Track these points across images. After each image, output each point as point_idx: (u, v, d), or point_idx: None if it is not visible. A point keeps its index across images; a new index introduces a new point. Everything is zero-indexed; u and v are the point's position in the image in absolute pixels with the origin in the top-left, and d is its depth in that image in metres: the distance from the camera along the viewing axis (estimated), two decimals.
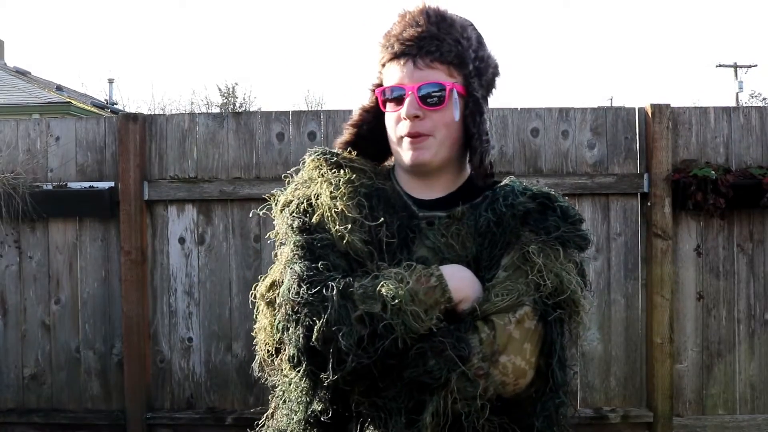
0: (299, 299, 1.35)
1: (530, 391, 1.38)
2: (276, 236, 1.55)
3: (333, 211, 1.46)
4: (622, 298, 4.11)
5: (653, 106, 4.05)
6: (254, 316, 1.55)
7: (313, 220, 1.47)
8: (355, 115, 1.59)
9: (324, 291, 1.34)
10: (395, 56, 1.48)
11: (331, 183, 1.49)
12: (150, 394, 4.16)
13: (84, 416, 4.16)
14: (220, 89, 32.93)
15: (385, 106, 1.51)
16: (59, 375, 4.22)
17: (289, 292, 1.37)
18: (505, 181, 1.55)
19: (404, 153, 1.49)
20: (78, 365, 4.21)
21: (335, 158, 1.54)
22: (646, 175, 4.06)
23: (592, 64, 76.47)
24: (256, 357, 1.53)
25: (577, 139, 4.12)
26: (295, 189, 1.54)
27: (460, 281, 1.38)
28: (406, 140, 1.48)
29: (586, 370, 4.11)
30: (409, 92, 1.45)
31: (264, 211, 1.59)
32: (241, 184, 4.11)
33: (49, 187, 4.17)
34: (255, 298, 1.54)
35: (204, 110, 28.87)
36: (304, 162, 1.57)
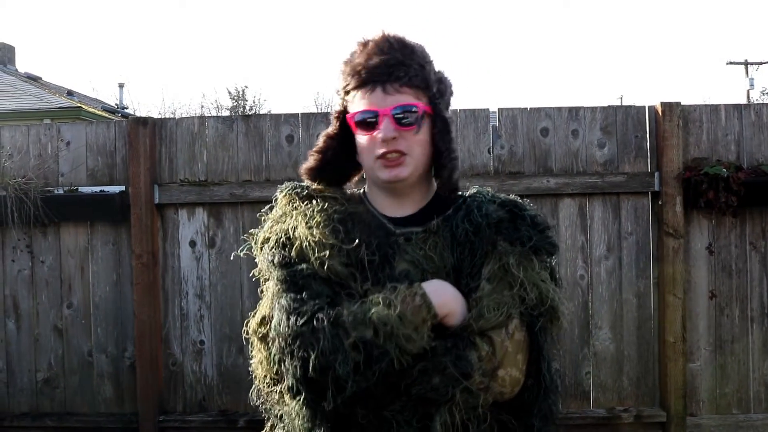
0: (290, 332, 1.42)
1: (522, 394, 1.50)
2: (259, 273, 1.61)
3: (310, 241, 1.51)
4: (634, 298, 4.10)
5: (663, 104, 4.03)
6: (249, 352, 1.62)
7: (293, 253, 1.52)
8: (320, 142, 1.66)
9: (314, 322, 1.40)
10: (363, 83, 1.54)
11: (305, 214, 1.55)
12: (162, 397, 4.18)
13: (97, 420, 4.18)
14: (230, 92, 33.07)
15: (357, 131, 1.56)
16: (72, 379, 4.24)
17: (280, 326, 1.44)
18: (472, 190, 1.66)
19: (381, 172, 1.55)
20: (91, 369, 4.23)
21: (306, 191, 1.62)
22: (657, 174, 4.05)
23: (602, 63, 76.22)
24: (253, 387, 1.61)
25: (587, 138, 4.11)
26: (272, 225, 1.60)
27: (443, 296, 1.45)
28: (381, 161, 1.54)
29: (598, 369, 4.10)
30: (384, 116, 1.51)
31: (244, 251, 1.67)
32: (251, 186, 4.11)
33: (60, 191, 4.19)
34: (247, 334, 1.59)
35: (214, 113, 28.96)
36: (277, 199, 1.64)
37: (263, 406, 1.61)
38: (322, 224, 1.53)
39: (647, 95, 69.27)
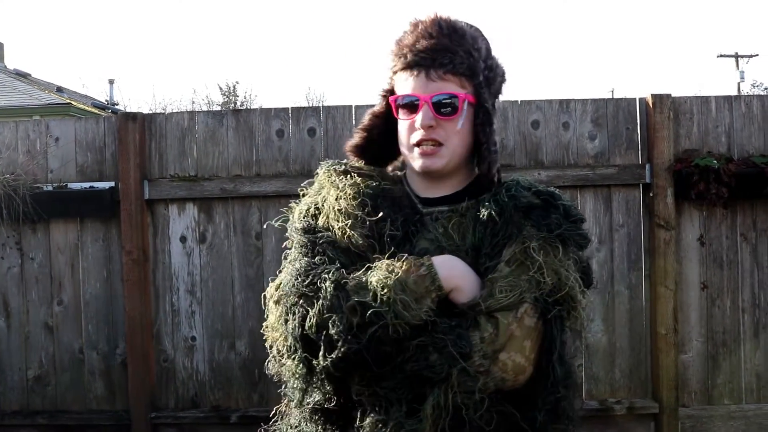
0: (295, 291, 1.43)
1: (530, 385, 1.42)
2: (290, 243, 1.60)
3: (335, 210, 1.52)
4: (625, 290, 4.10)
5: (654, 96, 4.03)
6: (264, 315, 1.57)
7: (319, 221, 1.54)
8: (365, 120, 1.65)
9: (318, 282, 1.41)
10: (408, 66, 1.52)
11: (337, 187, 1.56)
12: (154, 394, 4.16)
13: (89, 417, 4.16)
14: (221, 88, 32.97)
15: (398, 114, 1.55)
16: (63, 376, 4.22)
17: (287, 286, 1.45)
18: (513, 177, 1.61)
19: (416, 160, 1.54)
20: (82, 366, 4.21)
21: (343, 167, 1.61)
22: (648, 166, 4.05)
23: (593, 56, 76.32)
24: (270, 356, 1.55)
25: (578, 130, 4.10)
26: (307, 198, 1.62)
27: (451, 270, 1.43)
28: (418, 148, 1.53)
29: (590, 362, 4.10)
30: (424, 102, 1.50)
31: (279, 222, 1.67)
32: (241, 181, 4.09)
33: (50, 188, 4.17)
34: (265, 299, 1.56)
35: (205, 109, 28.88)
36: (317, 174, 1.64)
37: (278, 376, 1.56)
38: (351, 196, 1.53)
39: (638, 88, 69.39)
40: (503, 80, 1.62)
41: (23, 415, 4.19)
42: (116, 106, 25.81)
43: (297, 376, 1.46)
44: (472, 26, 1.58)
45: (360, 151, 1.65)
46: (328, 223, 1.53)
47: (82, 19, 71.48)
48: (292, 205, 1.64)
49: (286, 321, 1.44)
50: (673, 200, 4.01)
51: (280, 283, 1.52)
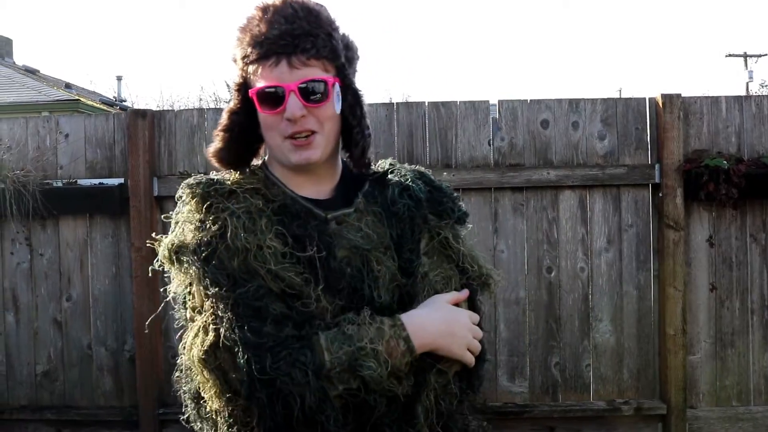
0: (265, 376, 1.28)
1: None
2: (185, 289, 1.44)
3: (259, 250, 1.36)
4: (634, 290, 4.09)
5: (664, 96, 4.02)
6: (190, 377, 1.48)
7: (234, 265, 1.35)
8: (224, 120, 1.52)
9: (294, 369, 1.28)
10: (265, 56, 1.41)
11: (239, 217, 1.38)
12: (162, 390, 4.16)
13: (96, 413, 4.17)
14: (228, 85, 32.93)
15: (261, 107, 1.44)
16: (71, 372, 4.23)
17: (249, 365, 1.29)
18: (386, 163, 1.62)
19: (291, 154, 1.44)
20: (90, 362, 4.22)
21: (224, 186, 1.44)
22: (657, 166, 4.04)
23: (601, 56, 76.13)
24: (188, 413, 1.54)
25: (588, 130, 4.09)
26: (186, 229, 1.42)
27: (427, 337, 1.40)
28: (290, 141, 1.43)
29: (598, 362, 4.10)
30: (290, 91, 1.40)
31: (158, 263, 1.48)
32: None
33: (59, 184, 4.18)
34: (190, 361, 1.41)
35: (212, 106, 28.89)
36: (182, 198, 1.46)
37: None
38: (265, 229, 1.38)
39: (646, 88, 69.21)
40: (358, 58, 1.53)
41: (31, 410, 4.21)
42: (124, 103, 25.85)
43: None
44: (320, 5, 1.47)
45: (224, 155, 1.51)
46: (247, 266, 1.34)
47: (90, 15, 71.67)
48: (158, 238, 1.48)
49: (257, 404, 1.30)
50: (682, 201, 3.99)
51: (215, 345, 1.33)
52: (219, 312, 1.33)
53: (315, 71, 1.41)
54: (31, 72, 23.53)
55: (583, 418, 4.06)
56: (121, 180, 4.16)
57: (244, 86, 1.48)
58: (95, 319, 4.22)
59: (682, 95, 4.04)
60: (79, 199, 4.15)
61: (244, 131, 1.51)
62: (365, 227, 1.47)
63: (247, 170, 1.52)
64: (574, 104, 4.10)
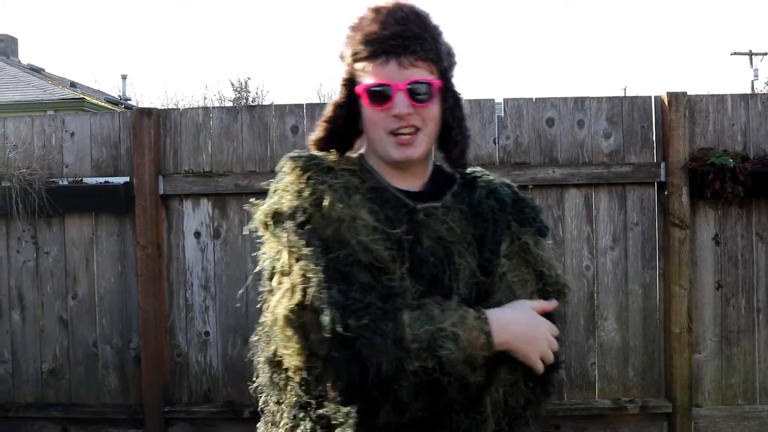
0: (348, 335, 1.32)
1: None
2: (274, 252, 1.46)
3: (350, 221, 1.43)
4: (639, 288, 4.09)
5: (670, 94, 4.01)
6: (269, 340, 1.51)
7: (329, 232, 1.41)
8: (328, 111, 1.59)
9: (376, 333, 1.32)
10: (376, 54, 1.48)
11: (336, 190, 1.46)
12: (167, 388, 4.17)
13: (102, 410, 4.18)
14: (232, 84, 32.91)
15: (369, 103, 1.50)
16: (77, 370, 4.24)
17: (333, 323, 1.33)
18: (475, 169, 1.67)
19: (393, 149, 1.51)
20: (96, 360, 4.23)
21: (324, 163, 1.52)
22: (663, 164, 4.03)
23: (605, 54, 76.02)
24: (260, 378, 1.60)
25: (593, 128, 4.09)
26: (284, 197, 1.47)
27: (507, 335, 1.43)
28: (394, 138, 1.51)
29: (603, 360, 4.09)
30: (398, 90, 1.47)
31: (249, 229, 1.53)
32: (256, 177, 4.09)
33: (65, 182, 4.19)
34: (273, 321, 1.44)
35: (217, 105, 28.92)
36: (284, 169, 1.52)
37: (282, 400, 1.52)
38: (359, 203, 1.46)
39: (650, 86, 69.13)
40: (456, 63, 1.60)
41: (37, 408, 4.22)
42: (129, 101, 25.89)
43: (349, 424, 1.37)
44: (426, 11, 1.55)
45: (325, 144, 1.59)
46: (340, 235, 1.41)
47: (94, 14, 71.75)
48: (257, 203, 1.52)
49: (333, 362, 1.33)
50: (688, 199, 3.99)
51: (300, 304, 1.37)
52: (309, 273, 1.38)
53: (422, 72, 1.49)
54: (36, 71, 23.57)
55: (588, 416, 4.06)
56: (127, 178, 4.17)
57: (350, 82, 1.54)
58: (101, 317, 4.23)
59: (688, 93, 4.04)
60: (85, 198, 4.16)
61: (345, 124, 1.57)
62: (451, 222, 1.52)
63: (345, 156, 1.59)
64: (580, 102, 4.10)
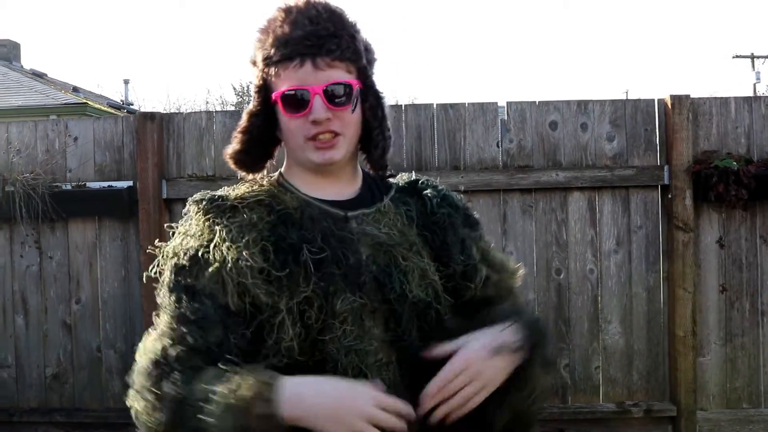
0: (144, 382, 1.32)
1: None
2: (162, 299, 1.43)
3: (236, 263, 1.33)
4: (643, 292, 4.08)
5: (673, 97, 4.01)
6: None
7: (205, 277, 1.35)
8: (243, 122, 1.50)
9: (166, 384, 1.28)
10: (289, 57, 1.39)
11: (230, 230, 1.37)
12: None
13: (106, 415, 4.17)
14: (234, 88, 32.98)
15: (284, 109, 1.42)
16: (81, 374, 4.24)
17: (139, 371, 1.35)
18: (405, 176, 1.61)
19: (312, 154, 1.42)
20: (99, 364, 4.23)
21: (228, 202, 1.42)
22: (666, 167, 4.02)
23: (607, 58, 76.08)
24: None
25: (596, 131, 4.08)
26: (183, 239, 1.42)
27: (302, 410, 1.24)
28: (312, 142, 1.42)
29: (608, 363, 4.08)
30: (315, 94, 1.38)
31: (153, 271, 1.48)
32: None
33: (68, 187, 4.19)
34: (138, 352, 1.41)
35: (220, 109, 28.97)
36: (188, 213, 1.45)
37: None
38: (251, 243, 1.35)
39: (652, 89, 68.96)
40: (376, 60, 1.52)
41: (41, 413, 4.21)
42: (131, 106, 25.91)
43: None
44: (340, 7, 1.46)
45: (241, 156, 1.50)
46: (216, 279, 1.34)
47: (97, 19, 71.93)
48: (160, 245, 1.46)
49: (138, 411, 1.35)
50: (691, 202, 3.98)
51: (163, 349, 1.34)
52: (164, 327, 1.37)
53: (339, 73, 1.40)
54: (38, 76, 23.59)
55: (592, 420, 4.05)
56: (130, 183, 4.17)
57: (264, 88, 1.46)
58: (104, 321, 4.23)
59: (691, 96, 4.03)
60: (88, 202, 4.16)
61: (262, 133, 1.50)
62: (385, 227, 1.45)
63: (258, 180, 1.52)
64: (583, 106, 4.10)
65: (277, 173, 1.54)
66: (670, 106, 4.00)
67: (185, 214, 1.45)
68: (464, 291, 1.48)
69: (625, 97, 4.39)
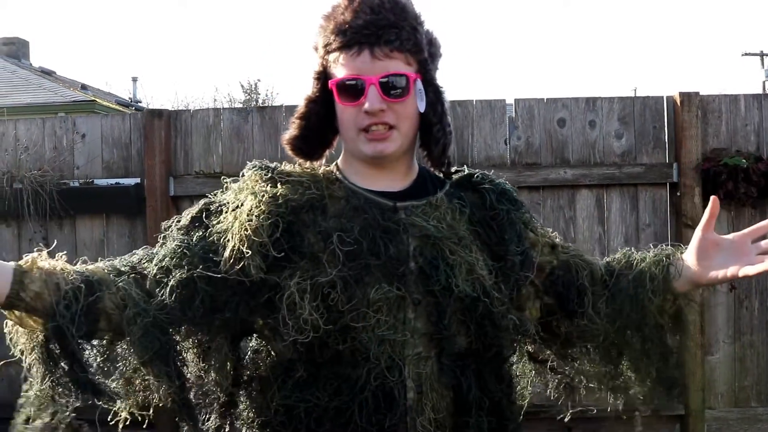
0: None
1: None
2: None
3: (238, 231, 1.37)
4: None
5: (682, 94, 3.99)
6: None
7: (217, 225, 1.42)
8: (301, 108, 1.50)
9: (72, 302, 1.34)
10: (348, 44, 1.39)
11: (255, 196, 1.41)
12: None
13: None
14: (242, 86, 32.92)
15: (339, 98, 1.42)
16: None
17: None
18: (467, 170, 1.57)
19: (364, 146, 1.42)
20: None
21: (270, 174, 1.44)
22: (675, 165, 4.01)
23: (616, 55, 75.89)
24: None
25: (605, 129, 4.07)
26: (226, 194, 1.49)
27: None
28: (365, 134, 1.41)
29: None
30: (370, 84, 1.37)
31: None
32: None
33: (76, 184, 4.20)
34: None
35: (228, 107, 28.98)
36: (242, 176, 1.49)
37: None
38: (262, 216, 1.37)
39: (661, 87, 68.89)
40: (441, 55, 1.50)
41: None
42: (139, 104, 25.96)
43: None
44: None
45: (299, 143, 1.49)
46: (221, 238, 1.39)
47: (105, 17, 72.11)
48: (211, 195, 1.51)
49: None
50: (700, 200, 3.96)
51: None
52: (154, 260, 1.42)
53: (397, 64, 1.39)
54: (47, 73, 23.65)
55: (600, 418, 4.03)
56: (138, 180, 4.17)
57: (323, 75, 1.45)
58: None
59: (701, 93, 4.01)
60: (96, 199, 4.17)
61: (320, 120, 1.48)
62: (434, 219, 1.42)
63: (315, 166, 1.52)
64: (591, 103, 4.08)
65: (333, 164, 1.54)
66: (679, 103, 3.98)
67: (241, 176, 1.49)
68: (522, 280, 1.49)
69: (633, 95, 4.36)
